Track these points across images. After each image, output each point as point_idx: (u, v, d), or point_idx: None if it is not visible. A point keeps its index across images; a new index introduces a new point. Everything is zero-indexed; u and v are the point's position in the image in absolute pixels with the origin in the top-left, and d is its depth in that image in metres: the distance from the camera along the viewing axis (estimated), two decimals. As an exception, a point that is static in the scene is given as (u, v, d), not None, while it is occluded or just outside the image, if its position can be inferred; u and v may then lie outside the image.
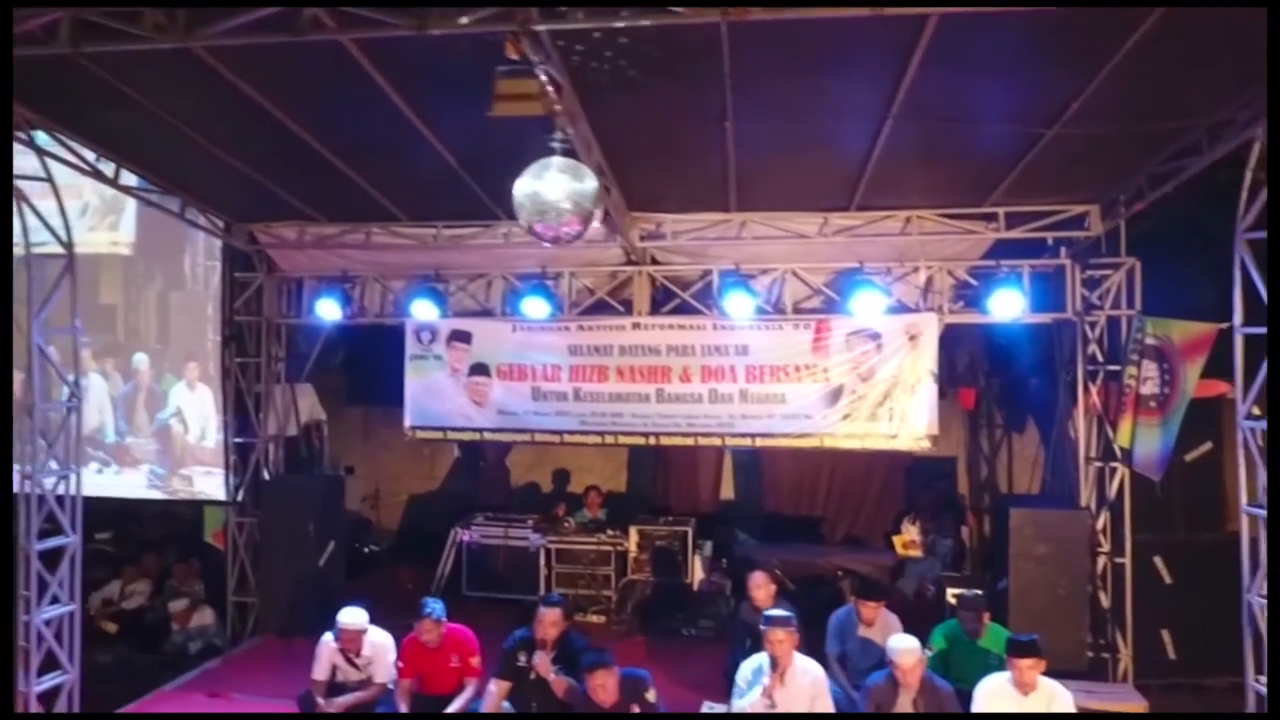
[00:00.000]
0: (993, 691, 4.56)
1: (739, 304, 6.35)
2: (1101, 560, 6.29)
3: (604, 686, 4.44)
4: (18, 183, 4.73)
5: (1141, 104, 4.24)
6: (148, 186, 5.86)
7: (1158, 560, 6.61)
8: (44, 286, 4.99)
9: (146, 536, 9.54)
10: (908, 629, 5.53)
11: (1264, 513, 4.07)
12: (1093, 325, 6.27)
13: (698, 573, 7.43)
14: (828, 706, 4.65)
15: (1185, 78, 4.02)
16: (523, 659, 5.03)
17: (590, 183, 4.00)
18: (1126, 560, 6.20)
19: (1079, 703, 5.12)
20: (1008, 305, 6.11)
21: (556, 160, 4.00)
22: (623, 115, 4.57)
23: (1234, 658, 4.46)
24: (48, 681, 5.17)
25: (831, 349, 6.51)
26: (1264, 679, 4.13)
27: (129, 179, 5.61)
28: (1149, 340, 5.83)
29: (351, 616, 5.35)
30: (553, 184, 3.93)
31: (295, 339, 7.71)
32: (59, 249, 5.10)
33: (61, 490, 5.26)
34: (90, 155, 5.22)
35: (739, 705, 4.70)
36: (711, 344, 6.66)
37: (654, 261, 6.83)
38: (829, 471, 8.76)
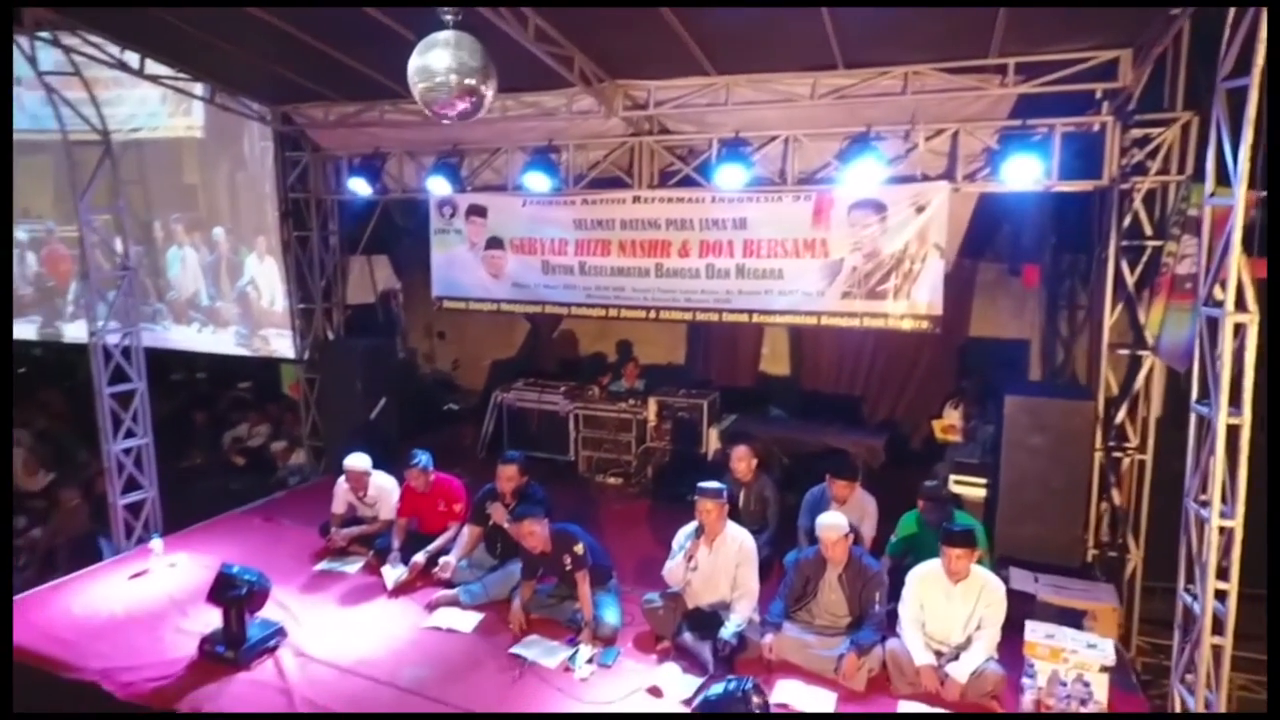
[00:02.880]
0: (924, 576, 4.54)
1: (730, 175, 6.10)
2: (1127, 458, 5.77)
3: (531, 534, 4.89)
4: (50, 78, 5.42)
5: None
6: (176, 75, 6.43)
7: (1213, 460, 5.96)
8: (87, 172, 5.77)
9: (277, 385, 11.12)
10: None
11: (1207, 410, 3.59)
12: (1137, 193, 5.45)
13: (713, 444, 7.58)
14: (751, 573, 4.83)
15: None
16: (488, 508, 5.58)
17: (476, 56, 3.99)
18: (1148, 457, 5.63)
19: (1045, 597, 4.96)
20: (1023, 171, 5.44)
21: (443, 35, 4.02)
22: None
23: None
24: (132, 497, 6.41)
25: (832, 222, 6.15)
26: (1194, 588, 3.79)
27: (156, 69, 6.19)
28: (1191, 211, 5.01)
29: (354, 461, 6.11)
30: (438, 58, 3.98)
31: (347, 213, 8.35)
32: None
33: (129, 343, 6.30)
34: (115, 50, 5.82)
35: (668, 566, 4.97)
36: (710, 218, 6.49)
37: (663, 130, 6.65)
38: (872, 351, 8.42)
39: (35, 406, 10.45)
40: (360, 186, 7.37)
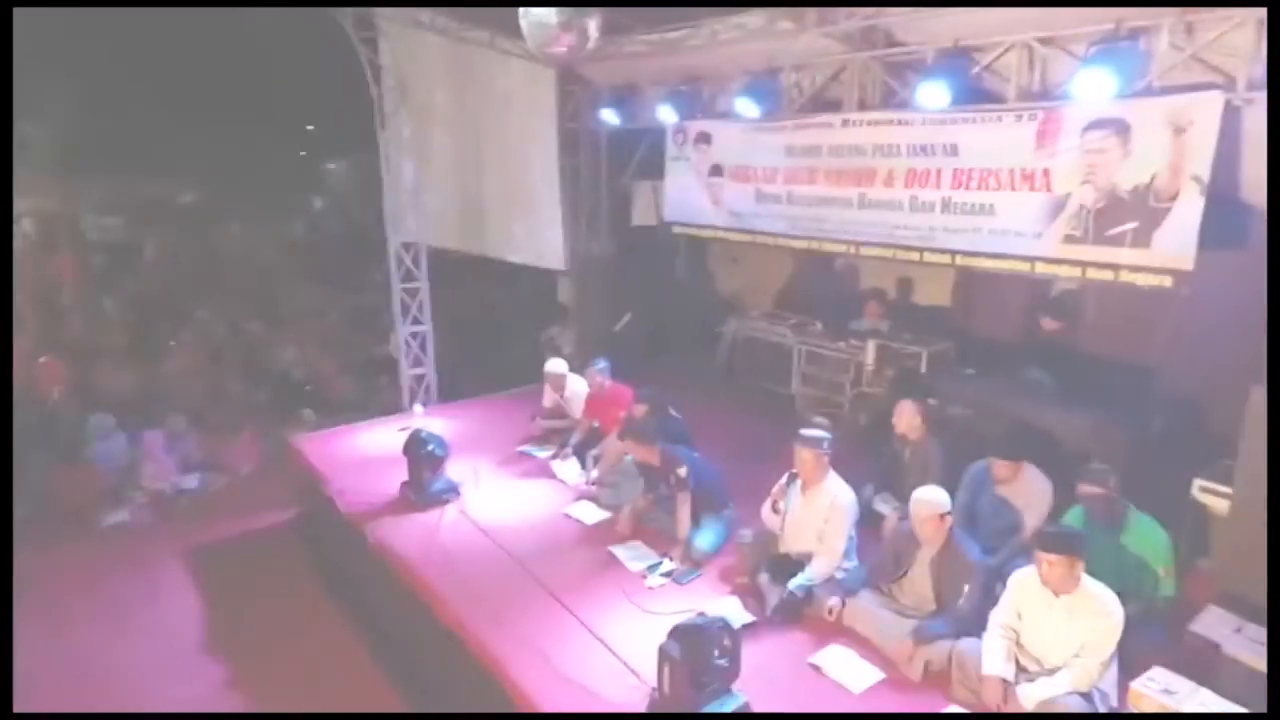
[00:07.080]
0: (1026, 581, 3.89)
1: (932, 93, 5.30)
2: None
3: (636, 450, 5.33)
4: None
5: None
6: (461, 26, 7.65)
7: None
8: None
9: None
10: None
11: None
12: None
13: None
14: (836, 530, 4.61)
15: None
16: (627, 431, 6.04)
17: (573, -4, 4.20)
18: None
19: (1234, 653, 3.91)
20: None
21: (550, -21, 4.28)
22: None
23: None
24: (415, 371, 8.19)
25: (1059, 148, 5.01)
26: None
27: (443, 23, 7.46)
28: None
29: (551, 365, 7.00)
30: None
31: (622, 140, 9.02)
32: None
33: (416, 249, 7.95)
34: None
35: (764, 507, 4.92)
36: (918, 143, 5.73)
37: (889, 44, 5.98)
38: (1181, 309, 6.55)
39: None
40: (609, 117, 7.98)
